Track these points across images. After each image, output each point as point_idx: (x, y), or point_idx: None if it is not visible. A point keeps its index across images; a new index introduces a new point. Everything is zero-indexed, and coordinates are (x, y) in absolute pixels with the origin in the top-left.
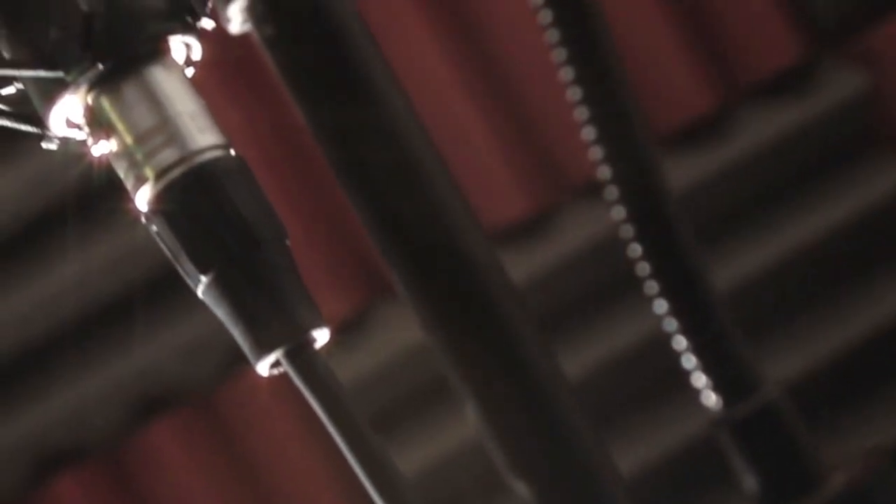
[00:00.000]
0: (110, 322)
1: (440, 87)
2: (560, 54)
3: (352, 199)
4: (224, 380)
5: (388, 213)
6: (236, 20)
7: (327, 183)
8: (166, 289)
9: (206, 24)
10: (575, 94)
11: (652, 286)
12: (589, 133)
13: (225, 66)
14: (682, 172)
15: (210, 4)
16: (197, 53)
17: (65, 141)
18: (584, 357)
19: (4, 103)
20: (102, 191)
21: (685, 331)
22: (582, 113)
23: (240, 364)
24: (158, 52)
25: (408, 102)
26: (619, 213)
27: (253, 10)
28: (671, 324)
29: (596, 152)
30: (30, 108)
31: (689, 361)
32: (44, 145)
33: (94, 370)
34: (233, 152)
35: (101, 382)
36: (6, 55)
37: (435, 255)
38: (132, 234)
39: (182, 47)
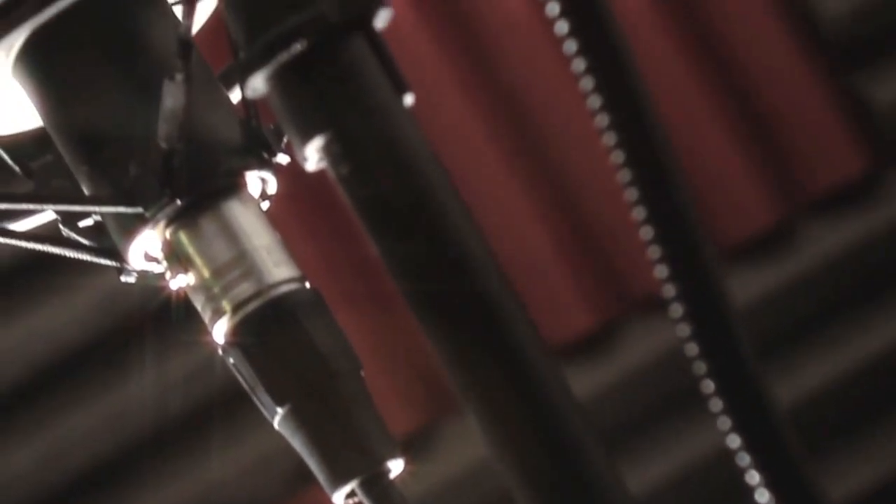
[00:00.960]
0: (182, 438)
1: (505, 201)
2: (625, 175)
3: (424, 328)
4: (292, 496)
5: (461, 344)
6: (312, 159)
7: (398, 309)
8: (236, 406)
9: (282, 159)
10: (640, 214)
11: (716, 403)
12: (653, 252)
13: (300, 198)
14: (746, 287)
15: (285, 140)
16: (272, 187)
17: (143, 274)
18: (648, 472)
19: (82, 234)
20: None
21: (749, 448)
22: (646, 232)
23: (308, 481)
24: (235, 186)
25: (480, 234)
26: (683, 330)
27: (329, 150)
28: (735, 440)
29: (660, 271)
30: (108, 242)
31: (753, 478)
32: (122, 279)
33: (165, 485)
34: (308, 285)
35: (173, 497)
36: (87, 191)
37: (508, 384)
38: (203, 353)
39: (258, 182)
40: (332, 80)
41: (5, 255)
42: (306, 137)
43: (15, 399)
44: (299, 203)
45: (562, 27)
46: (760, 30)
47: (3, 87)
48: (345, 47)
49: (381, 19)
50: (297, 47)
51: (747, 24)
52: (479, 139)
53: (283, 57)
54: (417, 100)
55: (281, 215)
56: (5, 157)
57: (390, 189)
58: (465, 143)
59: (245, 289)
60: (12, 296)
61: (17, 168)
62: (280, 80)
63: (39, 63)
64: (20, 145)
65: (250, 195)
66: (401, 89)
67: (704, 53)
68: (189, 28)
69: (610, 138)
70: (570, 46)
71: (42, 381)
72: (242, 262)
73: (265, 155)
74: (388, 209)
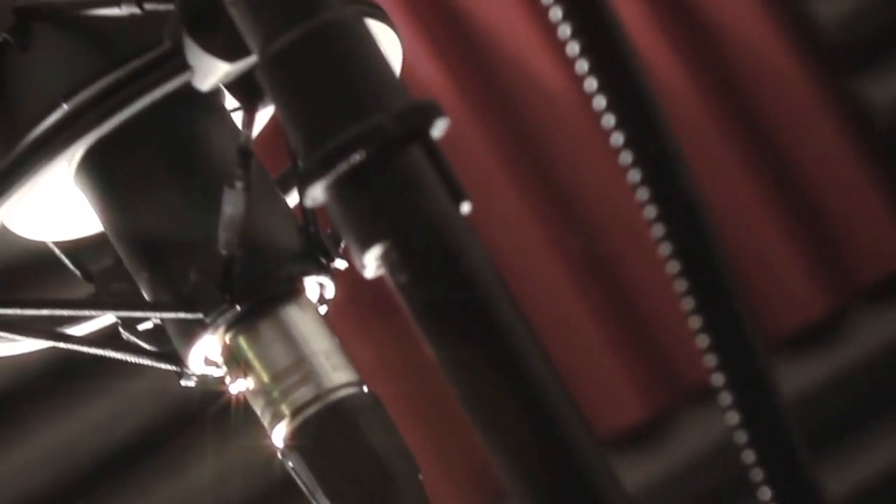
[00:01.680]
0: None
1: (558, 293)
2: (673, 266)
3: (479, 433)
4: None
5: (517, 451)
6: (371, 266)
7: (455, 413)
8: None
9: (340, 264)
10: (688, 303)
11: (765, 492)
12: (702, 341)
13: (357, 302)
14: (795, 377)
15: (343, 246)
16: (330, 292)
17: (203, 378)
18: None
19: (142, 338)
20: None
21: None
22: (694, 322)
23: None
24: (294, 292)
25: (536, 340)
26: (732, 419)
27: (387, 259)
28: None
29: (709, 359)
30: (169, 346)
31: None
32: (182, 383)
33: None
34: (366, 389)
35: None
36: (147, 296)
37: (566, 488)
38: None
39: (316, 286)
40: (389, 189)
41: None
42: (365, 246)
43: (76, 490)
44: (357, 307)
45: (609, 120)
46: (809, 120)
47: (65, 194)
48: (402, 157)
49: (438, 129)
50: (356, 158)
51: (795, 110)
52: (532, 234)
53: (342, 168)
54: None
55: (339, 319)
56: (66, 261)
57: (448, 297)
58: (519, 239)
59: (304, 393)
60: (73, 388)
61: (77, 272)
62: (338, 189)
63: (100, 171)
64: (80, 249)
65: (308, 300)
66: (458, 198)
67: (752, 142)
68: (249, 138)
69: (658, 230)
70: (618, 139)
71: (103, 472)
72: (301, 366)
73: (323, 260)
74: (445, 317)
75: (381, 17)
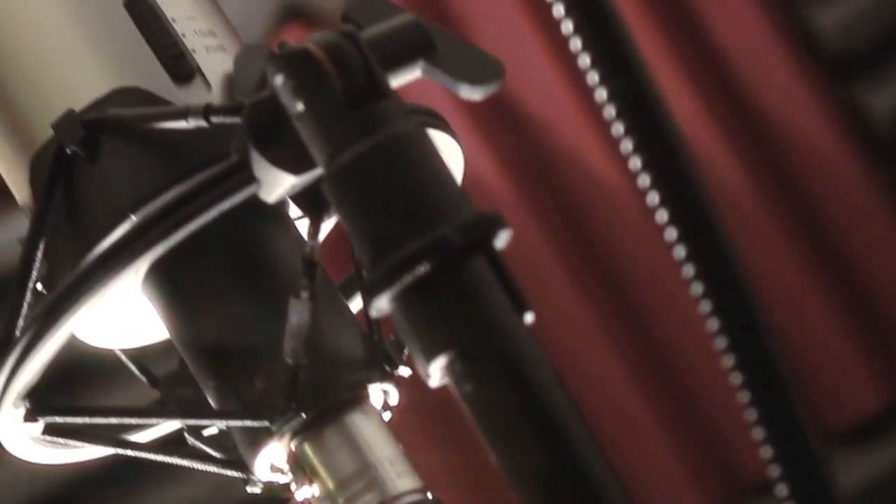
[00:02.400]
0: None
1: (614, 387)
2: (728, 360)
3: None
4: None
5: None
6: (435, 376)
7: None
8: None
9: (403, 372)
10: (744, 397)
11: None
12: (757, 433)
13: (421, 409)
14: (852, 472)
15: (406, 353)
16: (394, 399)
17: (269, 485)
18: None
19: (207, 443)
20: None
21: None
22: (750, 414)
23: None
24: (358, 399)
25: (600, 449)
26: None
27: (451, 369)
28: None
29: (765, 451)
30: (234, 453)
31: None
32: (248, 489)
33: None
34: (430, 496)
35: None
36: (213, 403)
37: None
38: None
39: (380, 394)
40: (454, 300)
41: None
42: (429, 356)
43: None
44: (421, 413)
45: (662, 216)
46: (864, 208)
47: (132, 302)
48: (467, 268)
49: (502, 240)
50: (421, 270)
51: (848, 199)
52: (589, 328)
53: (407, 279)
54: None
55: (402, 426)
56: (132, 367)
57: (512, 407)
58: (576, 333)
59: (369, 500)
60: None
61: (143, 378)
62: (403, 300)
63: (167, 280)
64: (146, 355)
65: (373, 407)
66: (522, 308)
67: (807, 232)
68: (314, 248)
69: (713, 323)
70: (671, 234)
71: None
72: (366, 473)
73: (387, 368)
74: (509, 426)
75: (443, 126)
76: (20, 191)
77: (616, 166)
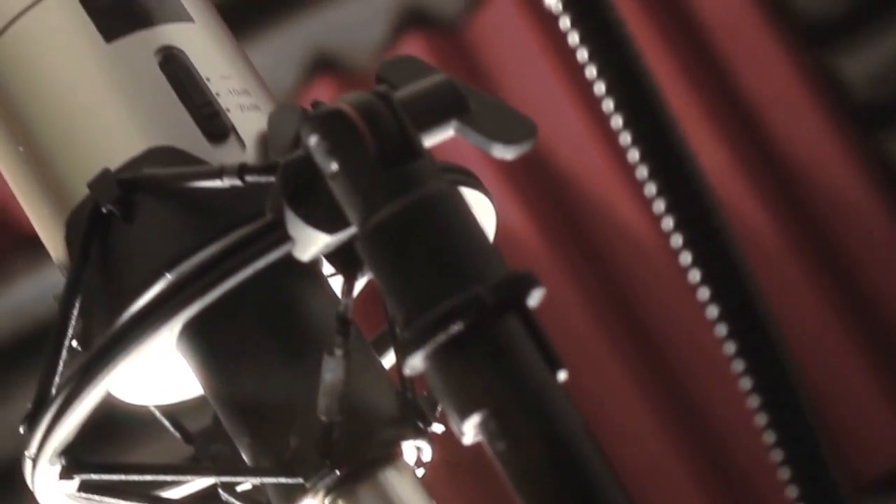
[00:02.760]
0: None
1: (646, 442)
2: (762, 419)
3: None
4: None
5: None
6: (469, 434)
7: None
8: None
9: (437, 428)
10: (769, 437)
11: None
12: (791, 492)
13: (454, 466)
14: None
15: (439, 409)
16: (427, 455)
17: None
18: None
19: (240, 499)
20: None
21: None
22: (777, 454)
23: None
24: (392, 456)
25: (630, 502)
26: None
27: (485, 427)
28: None
29: (791, 491)
30: None
31: None
32: None
33: None
34: None
35: None
36: (247, 459)
37: None
38: None
39: (413, 450)
40: (487, 359)
41: None
42: (463, 414)
43: None
44: (454, 470)
45: (694, 276)
46: (890, 258)
47: (167, 360)
48: (500, 327)
49: (535, 298)
50: (455, 329)
51: (880, 250)
52: (621, 382)
53: (441, 338)
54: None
55: (436, 482)
56: (166, 423)
57: (546, 466)
58: (609, 387)
59: None
60: None
61: (177, 434)
62: (437, 358)
63: (201, 338)
64: (179, 411)
65: (406, 463)
66: (555, 366)
67: (836, 284)
68: (348, 306)
69: (746, 383)
70: (704, 293)
71: None
72: None
73: (420, 425)
74: (542, 484)
75: (475, 184)
76: (56, 249)
77: (647, 219)
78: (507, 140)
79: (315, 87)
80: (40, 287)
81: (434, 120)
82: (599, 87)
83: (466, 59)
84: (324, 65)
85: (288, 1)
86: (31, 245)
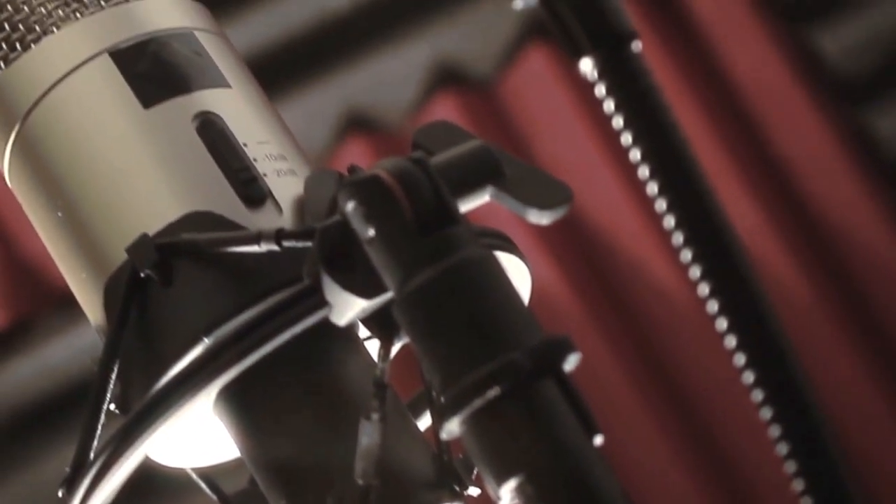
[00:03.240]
0: None
1: (679, 500)
2: (799, 485)
3: None
4: None
5: None
6: (506, 498)
7: None
8: None
9: (472, 491)
10: (798, 485)
11: None
12: None
13: None
14: None
15: (476, 473)
16: None
17: None
18: None
19: None
20: None
21: None
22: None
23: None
24: None
25: None
26: None
27: (521, 491)
28: None
29: None
30: None
31: None
32: None
33: None
34: None
35: None
36: None
37: None
38: None
39: None
40: (524, 423)
41: None
42: (500, 479)
43: None
44: None
45: (731, 342)
46: None
47: (205, 423)
48: (536, 392)
49: (571, 363)
50: (492, 394)
51: None
52: (655, 441)
53: (478, 403)
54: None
55: None
56: (204, 486)
57: None
58: (642, 447)
59: None
60: None
61: (213, 496)
62: (474, 422)
63: (238, 401)
64: (217, 473)
65: None
66: (591, 430)
67: (872, 345)
68: (384, 371)
69: (782, 448)
70: (739, 359)
71: None
72: None
73: (456, 488)
74: None
75: (511, 248)
76: (94, 313)
77: (680, 278)
78: (543, 205)
79: (348, 145)
80: (74, 347)
81: (470, 186)
82: (635, 155)
83: (499, 116)
84: (356, 123)
85: (321, 60)
86: (66, 305)
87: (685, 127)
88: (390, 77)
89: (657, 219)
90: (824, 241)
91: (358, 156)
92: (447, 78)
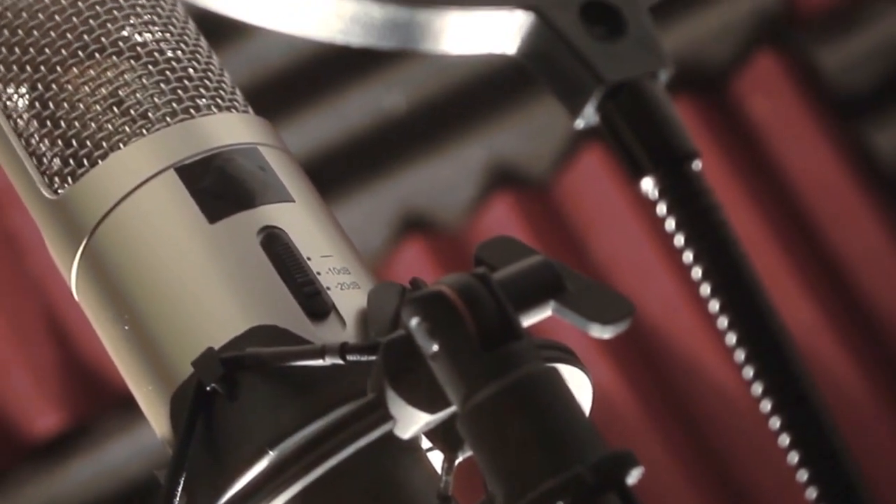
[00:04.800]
0: None
1: None
2: None
3: None
4: None
5: None
6: None
7: None
8: None
9: None
10: None
11: None
12: None
13: None
14: None
15: None
16: None
17: None
18: None
19: None
20: None
21: None
22: None
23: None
24: None
25: None
26: None
27: None
28: None
29: None
30: None
31: None
32: None
33: None
34: None
35: None
36: None
37: None
38: None
39: None
40: None
41: None
42: None
43: None
44: None
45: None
46: None
47: None
48: None
49: (634, 477)
50: None
51: None
52: None
53: None
54: None
55: None
56: None
57: None
58: None
59: None
60: None
61: None
62: None
63: None
64: None
65: None
66: None
67: None
68: (448, 484)
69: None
70: (793, 457)
71: None
72: None
73: None
74: None
75: (572, 360)
76: (160, 424)
77: (738, 378)
78: (605, 320)
79: (405, 245)
80: (134, 448)
81: (532, 301)
82: (696, 273)
83: (555, 216)
84: (414, 224)
85: (378, 161)
86: (125, 406)
87: (741, 225)
88: (447, 178)
89: (713, 318)
90: (879, 337)
91: (415, 256)
92: (503, 179)
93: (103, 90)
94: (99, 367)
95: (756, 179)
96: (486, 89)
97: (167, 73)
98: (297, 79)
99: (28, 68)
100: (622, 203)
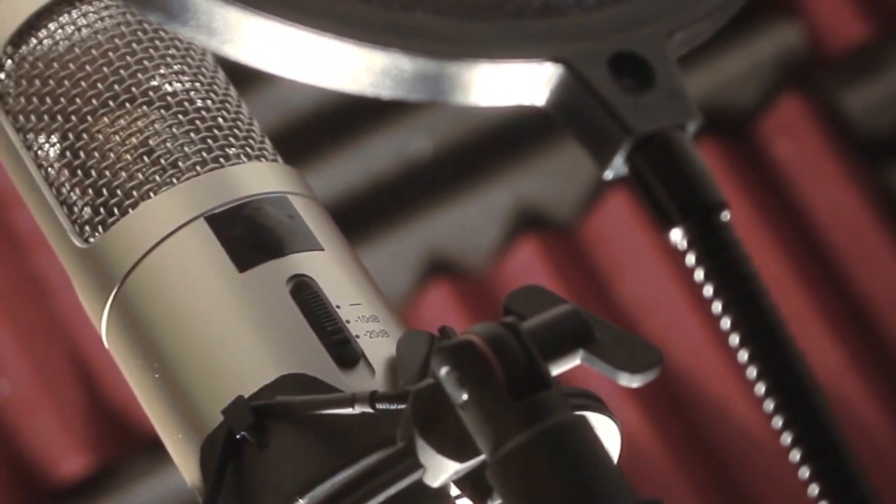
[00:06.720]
0: None
1: None
2: None
3: None
4: None
5: None
6: None
7: None
8: None
9: None
10: None
11: None
12: None
13: None
14: None
15: None
16: None
17: None
18: None
19: None
20: None
21: None
22: None
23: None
24: None
25: None
26: None
27: None
28: None
29: None
30: None
31: None
32: None
33: None
34: None
35: None
36: None
37: None
38: None
39: None
40: None
41: None
42: None
43: None
44: None
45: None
46: None
47: None
48: None
49: None
50: None
51: None
52: None
53: None
54: None
55: None
56: None
57: None
58: None
59: None
60: None
61: None
62: None
63: None
64: None
65: None
66: None
67: None
68: None
69: None
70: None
71: None
72: None
73: None
74: None
75: (601, 408)
76: (190, 472)
77: (765, 421)
78: (633, 369)
79: (431, 288)
80: (159, 491)
81: (561, 350)
82: (725, 323)
83: (580, 259)
84: (439, 268)
85: (404, 204)
86: (151, 449)
87: (766, 267)
88: (472, 221)
89: (741, 365)
90: None
91: (441, 299)
92: (529, 222)
93: (134, 139)
94: (125, 410)
95: (781, 222)
96: (511, 132)
97: (197, 122)
98: (323, 123)
99: (59, 118)
100: (648, 246)
